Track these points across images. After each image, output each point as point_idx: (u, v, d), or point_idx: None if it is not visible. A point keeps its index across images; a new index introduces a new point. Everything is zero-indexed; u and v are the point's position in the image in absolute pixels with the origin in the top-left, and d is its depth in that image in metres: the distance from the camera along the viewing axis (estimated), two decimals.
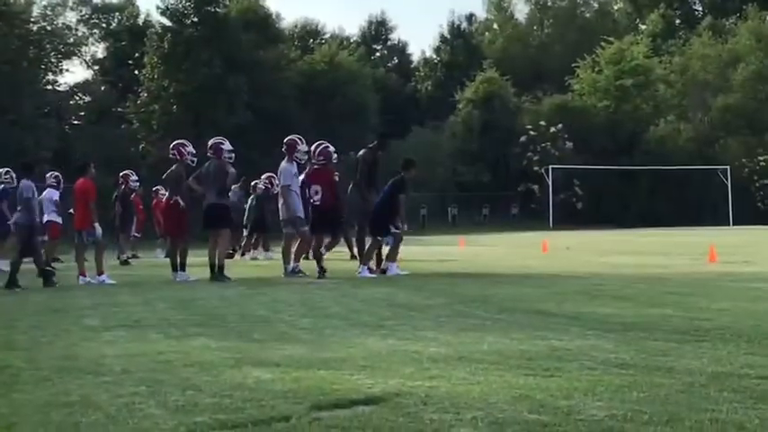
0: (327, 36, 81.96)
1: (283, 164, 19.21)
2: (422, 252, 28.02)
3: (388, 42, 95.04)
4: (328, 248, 22.41)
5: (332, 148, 19.24)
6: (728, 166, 67.02)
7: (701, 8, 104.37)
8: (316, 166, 19.08)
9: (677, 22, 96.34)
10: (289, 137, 19.57)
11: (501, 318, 10.82)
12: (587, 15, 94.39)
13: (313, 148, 19.24)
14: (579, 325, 9.89)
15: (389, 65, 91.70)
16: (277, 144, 20.40)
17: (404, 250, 20.22)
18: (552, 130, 68.60)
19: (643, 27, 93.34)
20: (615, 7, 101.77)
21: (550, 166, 65.40)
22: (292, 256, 19.23)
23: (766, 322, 9.81)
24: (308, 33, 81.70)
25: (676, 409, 5.83)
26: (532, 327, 9.87)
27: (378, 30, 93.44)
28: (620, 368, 7.29)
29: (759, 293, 13.02)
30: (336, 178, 19.90)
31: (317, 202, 18.80)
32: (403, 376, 7.11)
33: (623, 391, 6.42)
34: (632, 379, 6.82)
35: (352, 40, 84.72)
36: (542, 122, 69.15)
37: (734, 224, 62.12)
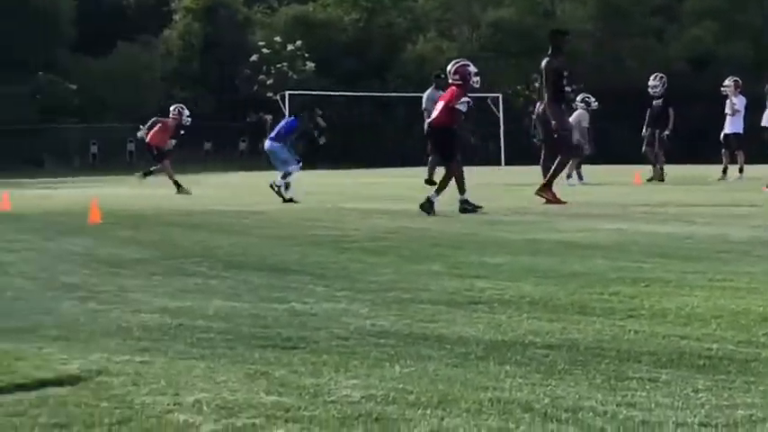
0: None
1: None
2: (154, 195, 27.63)
3: None
4: None
5: None
6: (500, 94, 68.02)
7: None
8: None
9: None
10: None
11: (229, 276, 10.69)
12: None
13: None
14: (326, 284, 9.83)
15: None
16: None
17: (94, 194, 19.84)
18: (290, 48, 68.57)
19: None
20: None
21: (287, 92, 65.32)
22: None
23: (547, 281, 9.92)
24: None
25: (449, 388, 5.78)
26: (268, 287, 9.76)
27: None
28: (379, 338, 7.24)
29: (540, 246, 13.20)
30: None
31: None
32: (107, 350, 6.90)
33: (383, 365, 6.35)
34: (393, 351, 6.76)
35: None
36: (278, 39, 69.03)
37: (506, 164, 63.23)
